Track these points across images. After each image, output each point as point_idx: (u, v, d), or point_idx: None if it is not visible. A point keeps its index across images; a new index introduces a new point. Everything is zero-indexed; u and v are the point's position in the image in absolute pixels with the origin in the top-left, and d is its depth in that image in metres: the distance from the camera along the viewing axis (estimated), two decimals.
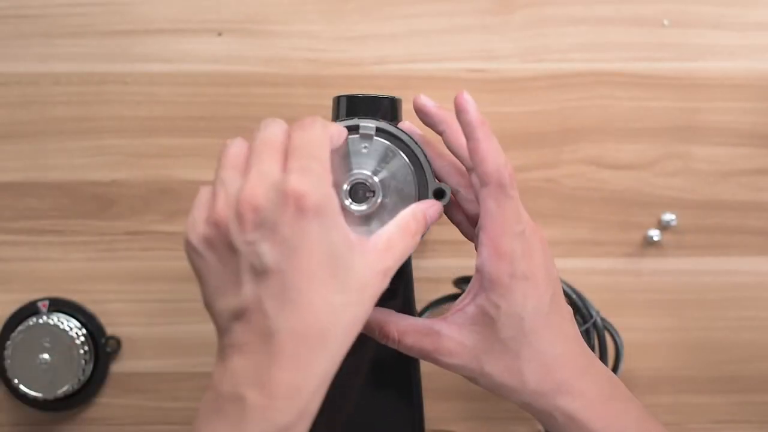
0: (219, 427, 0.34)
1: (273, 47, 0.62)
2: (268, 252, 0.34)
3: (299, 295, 0.33)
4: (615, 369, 0.62)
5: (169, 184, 0.63)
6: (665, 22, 0.63)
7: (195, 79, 0.62)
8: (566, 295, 0.61)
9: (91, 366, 0.61)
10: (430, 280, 0.63)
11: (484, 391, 0.63)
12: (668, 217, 0.62)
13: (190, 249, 0.37)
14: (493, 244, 0.40)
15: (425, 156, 0.45)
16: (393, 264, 0.37)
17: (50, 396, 0.59)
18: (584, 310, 0.61)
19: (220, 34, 0.62)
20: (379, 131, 0.45)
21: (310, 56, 0.62)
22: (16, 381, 0.59)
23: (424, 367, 0.51)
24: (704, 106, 0.63)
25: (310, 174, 0.34)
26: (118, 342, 0.62)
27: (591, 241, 0.63)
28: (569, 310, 0.43)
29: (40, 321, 0.59)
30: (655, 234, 0.62)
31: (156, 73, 0.62)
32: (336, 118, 0.50)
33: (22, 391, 0.59)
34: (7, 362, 0.59)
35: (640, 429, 0.41)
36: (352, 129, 0.44)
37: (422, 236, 0.41)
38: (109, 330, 0.63)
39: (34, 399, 0.59)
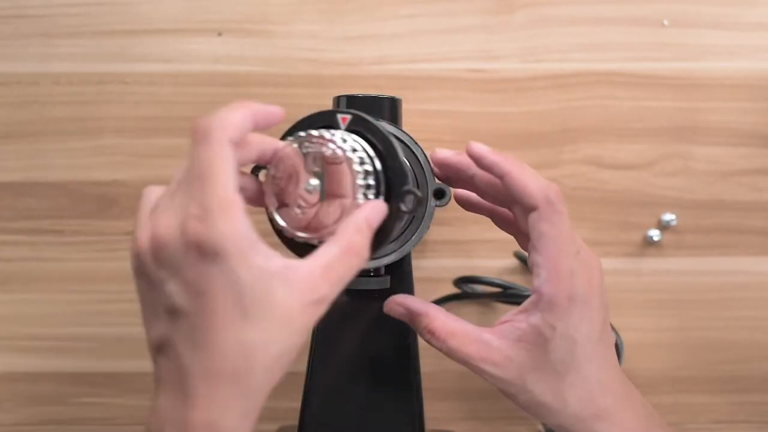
0: None
1: (273, 47, 0.62)
2: (175, 293, 0.33)
3: (208, 337, 0.33)
4: None
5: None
6: (665, 22, 0.63)
7: (195, 79, 0.62)
8: None
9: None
10: (430, 280, 0.63)
11: (484, 392, 0.64)
12: (668, 217, 0.62)
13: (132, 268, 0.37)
14: (551, 264, 0.39)
15: (424, 156, 0.45)
16: (330, 291, 0.35)
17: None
18: None
19: (220, 34, 0.62)
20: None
21: (310, 56, 0.62)
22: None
23: (424, 367, 0.51)
24: (704, 106, 0.63)
25: (206, 215, 0.33)
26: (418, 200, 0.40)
27: (591, 241, 0.63)
28: (614, 337, 0.43)
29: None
30: (655, 234, 0.62)
31: (156, 73, 0.62)
32: None
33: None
34: None
35: None
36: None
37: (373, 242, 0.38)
38: (110, 330, 0.63)
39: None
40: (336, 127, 0.40)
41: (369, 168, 0.38)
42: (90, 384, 0.64)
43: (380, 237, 0.39)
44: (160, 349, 0.34)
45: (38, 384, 0.64)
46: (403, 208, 0.39)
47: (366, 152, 0.39)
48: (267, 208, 0.40)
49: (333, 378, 0.50)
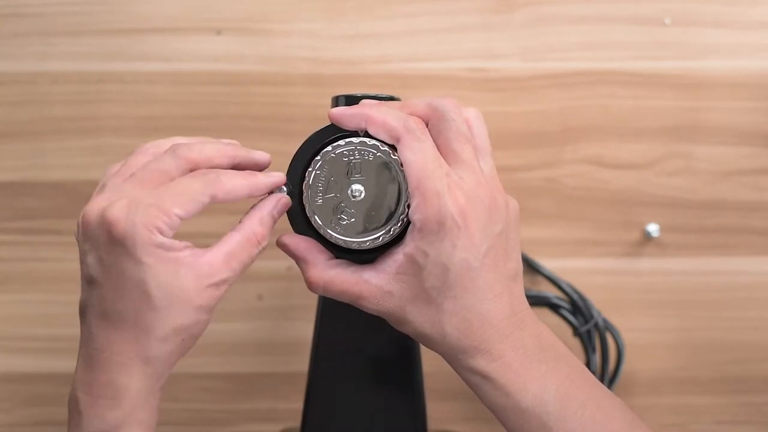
0: (69, 429, 0.39)
1: (272, 46, 0.62)
2: (92, 264, 0.38)
3: (114, 309, 0.38)
4: (616, 369, 0.61)
5: None
6: (666, 20, 0.63)
7: (194, 78, 0.62)
8: (567, 295, 0.61)
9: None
10: None
11: None
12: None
13: None
14: (416, 189, 0.39)
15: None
16: (230, 274, 0.39)
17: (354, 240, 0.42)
18: (586, 311, 0.61)
19: (219, 33, 0.62)
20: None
21: (310, 55, 0.62)
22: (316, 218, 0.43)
23: (427, 367, 0.50)
24: (705, 105, 0.63)
25: (139, 209, 0.37)
26: None
27: (592, 241, 0.63)
28: (514, 270, 0.42)
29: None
30: (653, 230, 0.62)
31: (155, 72, 0.62)
32: None
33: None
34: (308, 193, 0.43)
35: (560, 389, 0.40)
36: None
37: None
38: None
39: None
40: (354, 134, 0.42)
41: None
42: None
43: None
44: (81, 312, 0.40)
45: (36, 385, 0.63)
46: None
47: (398, 153, 0.41)
48: (316, 229, 0.42)
49: (335, 379, 0.50)
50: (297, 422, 0.51)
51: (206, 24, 0.62)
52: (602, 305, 0.62)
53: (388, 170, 0.42)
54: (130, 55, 0.62)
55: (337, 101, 0.49)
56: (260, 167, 0.42)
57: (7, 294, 0.63)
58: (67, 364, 0.63)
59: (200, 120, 0.62)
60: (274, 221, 0.42)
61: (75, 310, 0.62)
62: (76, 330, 0.63)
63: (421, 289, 0.40)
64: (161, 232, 0.37)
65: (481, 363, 0.40)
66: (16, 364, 0.63)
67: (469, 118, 0.43)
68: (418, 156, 0.40)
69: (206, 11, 0.62)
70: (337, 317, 0.50)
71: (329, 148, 0.42)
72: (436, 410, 0.63)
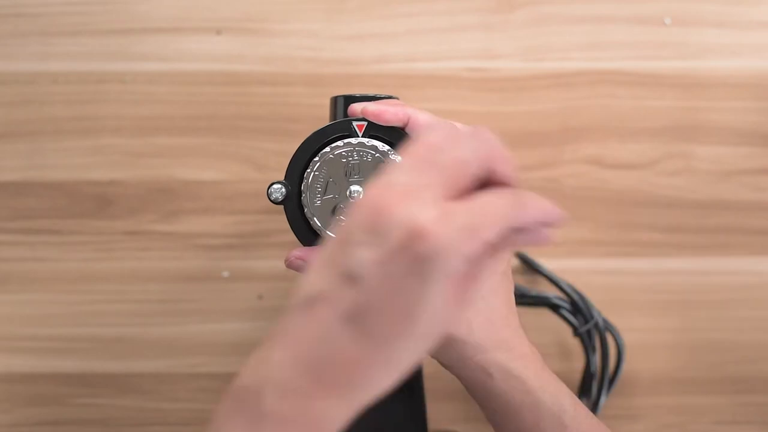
0: (237, 420, 0.32)
1: (272, 46, 0.62)
2: (365, 260, 0.30)
3: (368, 321, 0.31)
4: (617, 370, 0.61)
5: (168, 184, 0.62)
6: (667, 20, 0.62)
7: (194, 78, 0.62)
8: (567, 295, 0.61)
9: None
10: None
11: None
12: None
13: None
14: None
15: None
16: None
17: None
18: (586, 311, 0.60)
19: (219, 33, 0.62)
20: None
21: (310, 55, 0.62)
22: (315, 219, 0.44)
23: (428, 367, 0.50)
24: (706, 105, 0.63)
25: (459, 228, 0.30)
26: None
27: (592, 241, 0.63)
28: (511, 276, 0.44)
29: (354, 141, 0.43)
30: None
31: (155, 72, 0.62)
32: (333, 118, 0.49)
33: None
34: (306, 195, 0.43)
35: (568, 391, 0.42)
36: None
37: None
38: (109, 330, 0.63)
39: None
40: (353, 134, 0.42)
41: None
42: (88, 385, 0.63)
43: None
44: (311, 302, 0.31)
45: (36, 385, 0.63)
46: None
47: (397, 154, 0.42)
48: (315, 230, 0.43)
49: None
50: None
51: (206, 24, 0.62)
52: (602, 305, 0.62)
53: None
54: (130, 55, 0.62)
55: (336, 101, 0.49)
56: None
57: (6, 294, 0.63)
58: (67, 364, 0.63)
59: (200, 120, 0.62)
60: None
61: (74, 309, 0.63)
62: (75, 330, 0.63)
63: None
64: (463, 259, 0.30)
65: (503, 358, 0.41)
66: (16, 364, 0.63)
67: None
68: None
69: (206, 11, 0.62)
70: None
71: (327, 149, 0.42)
72: (436, 410, 0.63)
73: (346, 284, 0.31)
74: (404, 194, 0.31)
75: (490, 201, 0.31)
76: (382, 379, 0.31)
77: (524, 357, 0.42)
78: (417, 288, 0.30)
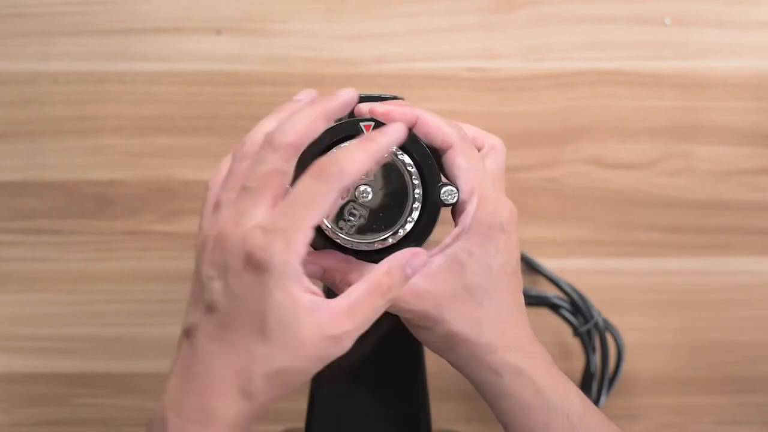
0: None
1: (272, 46, 0.62)
2: (216, 291, 0.36)
3: (227, 337, 0.36)
4: (617, 369, 0.61)
5: (168, 184, 0.62)
6: (667, 20, 0.62)
7: (194, 78, 0.62)
8: (567, 295, 0.61)
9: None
10: None
11: None
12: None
13: None
14: (474, 195, 0.41)
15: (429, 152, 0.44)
16: (353, 327, 0.37)
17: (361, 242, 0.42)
18: (586, 311, 0.60)
19: (219, 33, 0.62)
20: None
21: (310, 55, 0.62)
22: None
23: (430, 367, 0.50)
24: (706, 105, 0.63)
25: (272, 231, 0.35)
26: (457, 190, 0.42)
27: (592, 241, 0.63)
28: (522, 283, 0.44)
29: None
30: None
31: (155, 72, 0.62)
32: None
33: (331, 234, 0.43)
34: None
35: (577, 391, 0.43)
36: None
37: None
38: (109, 330, 0.63)
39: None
40: (360, 134, 0.42)
41: (413, 169, 0.41)
42: (88, 385, 0.63)
43: (421, 238, 0.42)
44: (187, 333, 0.38)
45: (36, 385, 0.63)
46: (450, 200, 0.41)
47: (405, 154, 0.42)
48: (323, 231, 0.42)
49: (339, 379, 0.50)
50: (299, 422, 0.51)
51: (206, 24, 0.62)
52: (602, 305, 0.62)
53: (395, 171, 0.42)
54: (130, 55, 0.62)
55: None
56: (351, 105, 0.40)
57: (6, 294, 0.63)
58: (67, 364, 0.63)
59: (200, 120, 0.62)
60: (407, 277, 0.39)
61: (74, 309, 0.63)
62: (75, 330, 0.63)
63: (462, 288, 0.40)
64: (300, 257, 0.35)
65: (513, 358, 0.41)
66: (16, 364, 0.63)
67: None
68: (473, 164, 0.41)
69: (206, 11, 0.62)
70: None
71: (335, 149, 0.42)
72: (437, 410, 0.62)
73: (208, 313, 0.37)
74: (234, 224, 0.36)
75: (303, 191, 0.36)
76: (249, 384, 0.36)
77: (534, 357, 0.42)
78: (260, 298, 0.35)
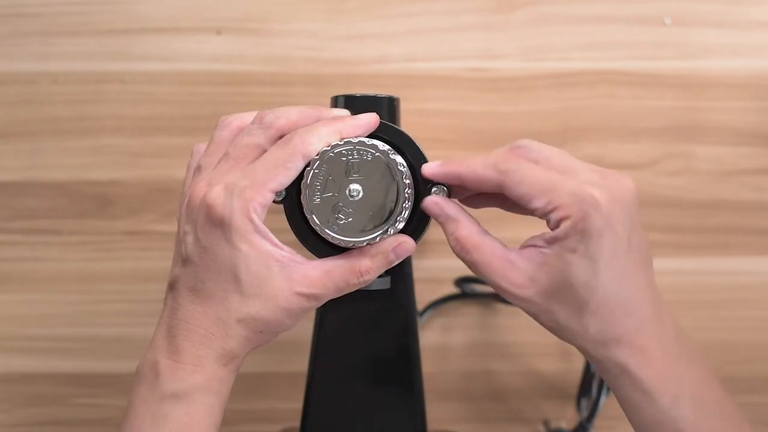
0: (140, 389, 0.40)
1: (272, 46, 0.62)
2: (190, 244, 0.40)
3: (203, 287, 0.40)
4: None
5: (168, 184, 0.62)
6: (666, 20, 0.62)
7: (194, 78, 0.62)
8: None
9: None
10: (431, 280, 0.63)
11: (486, 392, 0.63)
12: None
13: None
14: (552, 203, 0.39)
15: (423, 156, 0.44)
16: (321, 291, 0.41)
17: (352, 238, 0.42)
18: None
19: (219, 33, 0.62)
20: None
21: (310, 55, 0.62)
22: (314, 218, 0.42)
23: (426, 367, 0.50)
24: (706, 105, 0.63)
25: (235, 192, 0.39)
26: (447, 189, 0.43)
27: None
28: (649, 255, 0.41)
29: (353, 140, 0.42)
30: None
31: (155, 72, 0.62)
32: None
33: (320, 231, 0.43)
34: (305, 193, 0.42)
35: (695, 392, 0.40)
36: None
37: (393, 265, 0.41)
38: (108, 330, 0.63)
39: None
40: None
41: (404, 168, 0.42)
42: (88, 385, 0.63)
43: (417, 233, 0.43)
44: (171, 286, 0.42)
45: (35, 385, 0.63)
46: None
47: (397, 153, 0.42)
48: (313, 228, 0.42)
49: (335, 379, 0.50)
50: (297, 422, 0.51)
51: (206, 24, 0.62)
52: None
53: (387, 170, 0.42)
54: (130, 55, 0.62)
55: (336, 101, 0.49)
56: (370, 130, 0.42)
57: (6, 294, 0.63)
58: (67, 364, 0.63)
59: (200, 120, 0.62)
60: (388, 263, 0.42)
61: (74, 309, 0.63)
62: (75, 330, 0.63)
63: (567, 282, 0.39)
64: (257, 214, 0.39)
65: (621, 355, 0.39)
66: (16, 364, 0.63)
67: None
68: (529, 177, 0.39)
69: (206, 11, 0.62)
70: (337, 317, 0.50)
71: (327, 147, 0.42)
72: (436, 410, 0.63)
73: (185, 265, 0.41)
74: (206, 184, 0.40)
75: (269, 155, 0.40)
76: (227, 329, 0.40)
77: (645, 351, 0.39)
78: (228, 250, 0.39)
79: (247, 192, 0.39)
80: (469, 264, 0.41)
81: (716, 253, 0.64)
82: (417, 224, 0.43)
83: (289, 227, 0.43)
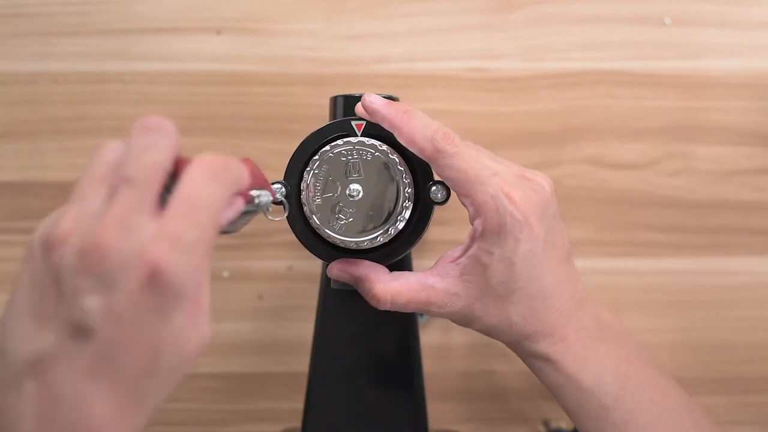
0: None
1: (272, 46, 0.62)
2: (93, 311, 0.28)
3: (111, 374, 0.28)
4: None
5: None
6: (666, 20, 0.62)
7: (194, 78, 0.62)
8: None
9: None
10: None
11: (487, 392, 0.63)
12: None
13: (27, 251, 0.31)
14: (471, 200, 0.40)
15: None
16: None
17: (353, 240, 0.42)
18: None
19: (219, 33, 0.62)
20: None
21: (310, 55, 0.62)
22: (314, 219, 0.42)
23: (427, 367, 0.50)
24: (706, 105, 0.63)
25: (186, 248, 0.28)
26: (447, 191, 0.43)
27: (592, 241, 0.63)
28: (568, 249, 0.43)
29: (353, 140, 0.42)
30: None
31: (155, 72, 0.62)
32: (333, 118, 0.49)
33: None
34: (305, 193, 0.42)
35: (618, 369, 0.42)
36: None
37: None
38: None
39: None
40: (352, 133, 0.42)
41: (404, 168, 0.42)
42: None
43: (413, 237, 0.43)
44: (33, 367, 0.28)
45: None
46: (439, 199, 0.42)
47: (396, 153, 0.42)
48: (314, 229, 0.42)
49: (335, 379, 0.50)
50: (297, 422, 0.51)
51: (206, 24, 0.62)
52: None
53: (387, 170, 0.42)
54: (130, 55, 0.62)
55: (336, 101, 0.49)
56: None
57: (6, 294, 0.63)
58: None
59: (200, 120, 0.62)
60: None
61: None
62: None
63: (488, 286, 0.41)
64: (208, 274, 0.30)
65: (543, 346, 0.42)
66: None
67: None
68: (455, 172, 0.40)
69: (206, 11, 0.62)
70: (337, 317, 0.50)
71: (327, 147, 0.42)
72: (436, 410, 0.63)
73: (79, 339, 0.28)
74: (115, 225, 0.28)
75: (201, 196, 0.30)
76: (135, 421, 0.29)
77: (564, 340, 0.41)
78: (158, 323, 0.28)
79: (200, 249, 0.29)
80: (399, 309, 0.42)
81: (716, 253, 0.64)
82: (417, 224, 0.43)
83: (289, 227, 0.43)
